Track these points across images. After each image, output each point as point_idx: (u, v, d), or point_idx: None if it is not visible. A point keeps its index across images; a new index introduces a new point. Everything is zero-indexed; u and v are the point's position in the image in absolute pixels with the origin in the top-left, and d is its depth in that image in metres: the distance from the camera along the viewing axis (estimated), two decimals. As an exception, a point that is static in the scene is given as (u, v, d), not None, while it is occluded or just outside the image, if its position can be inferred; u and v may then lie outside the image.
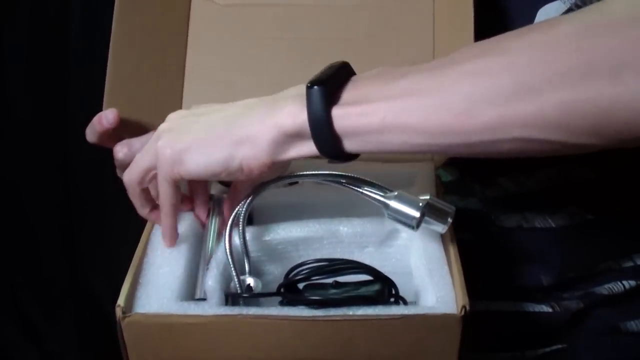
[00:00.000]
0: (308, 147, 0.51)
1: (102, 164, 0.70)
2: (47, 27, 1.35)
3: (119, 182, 0.62)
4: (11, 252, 1.51)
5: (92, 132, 0.64)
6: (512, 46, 0.45)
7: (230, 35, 0.71)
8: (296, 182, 0.65)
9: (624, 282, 0.71)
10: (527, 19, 0.64)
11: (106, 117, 0.63)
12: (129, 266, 0.55)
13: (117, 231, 1.36)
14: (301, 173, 0.58)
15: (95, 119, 0.63)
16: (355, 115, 0.49)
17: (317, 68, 0.52)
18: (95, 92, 0.68)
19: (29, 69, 1.39)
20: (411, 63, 0.50)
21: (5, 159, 1.45)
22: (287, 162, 0.54)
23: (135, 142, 0.62)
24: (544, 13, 0.63)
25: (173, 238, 0.58)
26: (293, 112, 0.50)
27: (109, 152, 0.64)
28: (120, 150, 0.62)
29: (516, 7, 0.65)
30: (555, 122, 0.43)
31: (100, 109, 0.66)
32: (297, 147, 0.52)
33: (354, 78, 0.52)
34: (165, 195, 0.56)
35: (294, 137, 0.51)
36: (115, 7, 0.67)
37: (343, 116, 0.49)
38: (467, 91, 0.45)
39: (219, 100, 0.57)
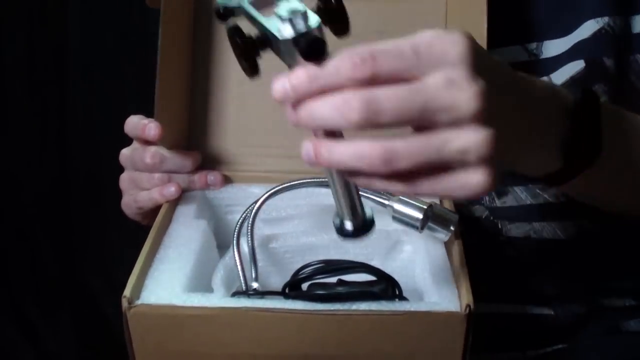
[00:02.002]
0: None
1: (101, 164, 0.72)
2: (46, 27, 1.38)
3: (118, 182, 0.63)
4: (10, 252, 1.51)
5: (132, 131, 0.65)
6: None
7: None
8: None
9: (625, 300, 0.70)
10: (565, 32, 0.64)
11: (149, 131, 0.63)
12: (128, 267, 0.55)
13: (116, 231, 1.37)
14: (308, 180, 0.60)
15: (140, 125, 0.64)
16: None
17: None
18: (94, 91, 0.68)
19: (29, 69, 1.42)
20: None
21: (4, 159, 1.46)
22: None
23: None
24: (580, 32, 0.63)
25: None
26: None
27: (108, 153, 0.64)
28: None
29: (550, 20, 0.65)
30: None
31: (99, 109, 0.65)
32: None
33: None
34: None
35: None
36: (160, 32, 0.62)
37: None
38: None
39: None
